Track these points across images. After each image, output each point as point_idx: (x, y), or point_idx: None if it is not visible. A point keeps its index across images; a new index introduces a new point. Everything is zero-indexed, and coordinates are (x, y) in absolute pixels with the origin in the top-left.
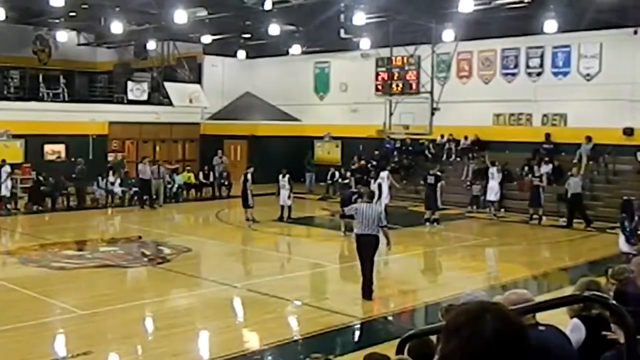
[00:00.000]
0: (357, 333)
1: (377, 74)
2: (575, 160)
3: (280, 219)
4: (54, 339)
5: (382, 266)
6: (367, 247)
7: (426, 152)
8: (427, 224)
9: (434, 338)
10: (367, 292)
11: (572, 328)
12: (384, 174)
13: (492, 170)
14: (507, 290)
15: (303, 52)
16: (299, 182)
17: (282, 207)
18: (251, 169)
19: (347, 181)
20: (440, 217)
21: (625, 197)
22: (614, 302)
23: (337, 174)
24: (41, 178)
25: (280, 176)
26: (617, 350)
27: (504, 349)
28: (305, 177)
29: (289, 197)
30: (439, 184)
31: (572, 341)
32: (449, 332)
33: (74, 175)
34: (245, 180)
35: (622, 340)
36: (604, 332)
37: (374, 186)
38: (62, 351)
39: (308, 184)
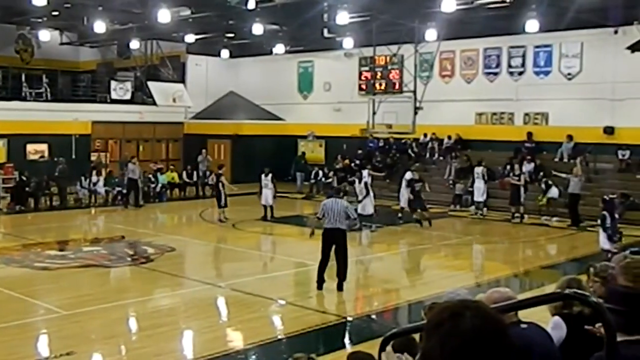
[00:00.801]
0: (341, 332)
1: (361, 73)
2: (556, 159)
3: (264, 218)
4: (37, 339)
5: (366, 265)
6: (332, 241)
7: (409, 151)
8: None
9: (417, 336)
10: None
11: (554, 325)
12: (365, 172)
13: (478, 170)
14: (489, 289)
15: (286, 52)
16: (283, 182)
17: (265, 207)
18: (223, 169)
19: (330, 180)
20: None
21: (605, 196)
22: (594, 299)
23: (320, 173)
24: (24, 178)
25: (263, 175)
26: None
27: (483, 345)
28: (296, 177)
29: (274, 197)
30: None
31: (554, 339)
32: (430, 329)
33: (56, 175)
34: (219, 180)
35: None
36: (586, 327)
37: (360, 186)
38: (45, 351)
39: (299, 184)
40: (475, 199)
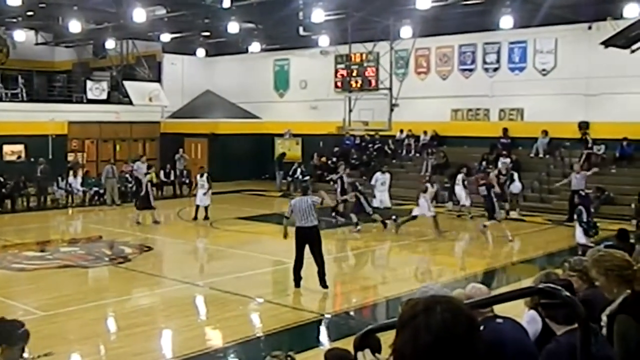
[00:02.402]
0: (319, 329)
1: (336, 71)
2: (532, 155)
3: (195, 218)
4: None
5: (343, 262)
6: (304, 239)
7: (386, 148)
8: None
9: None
10: (320, 280)
11: (529, 319)
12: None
13: (459, 177)
14: (467, 284)
15: (262, 50)
16: (260, 180)
17: (198, 206)
18: (153, 169)
19: (307, 178)
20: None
21: (581, 190)
22: (567, 293)
23: (299, 170)
24: (1, 179)
25: (199, 176)
26: (558, 343)
27: (453, 340)
28: (276, 176)
29: (205, 194)
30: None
31: (529, 333)
32: (402, 324)
33: (38, 175)
34: (149, 181)
35: (558, 332)
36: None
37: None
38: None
39: (279, 183)
40: (464, 203)
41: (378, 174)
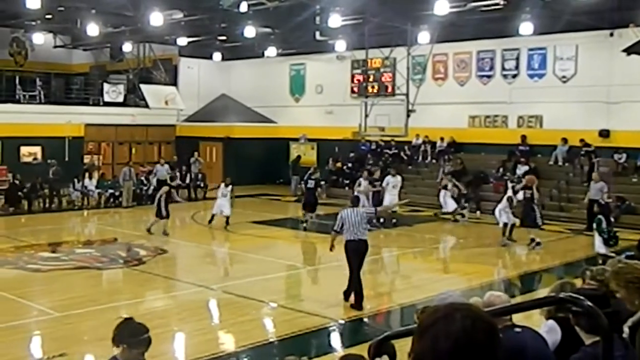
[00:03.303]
0: (333, 335)
1: (353, 76)
2: (551, 163)
3: (210, 222)
4: (29, 340)
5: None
6: (355, 253)
7: (402, 154)
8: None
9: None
10: (356, 300)
11: (548, 329)
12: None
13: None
14: (483, 292)
15: (278, 54)
16: (274, 185)
17: (214, 215)
18: (175, 172)
19: (322, 183)
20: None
21: (601, 200)
22: (589, 303)
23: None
24: (17, 181)
25: (223, 185)
26: (584, 353)
27: (473, 347)
28: (291, 181)
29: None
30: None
31: (549, 342)
32: (421, 332)
33: (50, 177)
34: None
35: (587, 342)
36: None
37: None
38: (37, 353)
39: (294, 187)
40: (445, 209)
41: (389, 177)
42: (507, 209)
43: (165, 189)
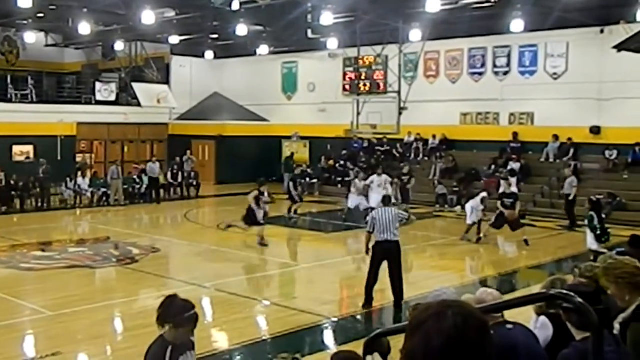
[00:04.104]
0: (326, 332)
1: (345, 74)
2: (542, 159)
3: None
4: (22, 340)
5: (351, 265)
6: (385, 256)
7: (394, 151)
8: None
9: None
10: (397, 300)
11: (540, 326)
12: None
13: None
14: (476, 289)
15: (271, 53)
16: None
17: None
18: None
19: (314, 181)
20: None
21: (592, 196)
22: (579, 300)
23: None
24: (10, 181)
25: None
26: (574, 348)
27: (465, 344)
28: (284, 179)
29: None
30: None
31: (540, 339)
32: (413, 329)
33: (41, 176)
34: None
35: (577, 338)
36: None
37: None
38: (31, 352)
39: (286, 186)
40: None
41: (374, 176)
42: (479, 208)
43: (254, 193)
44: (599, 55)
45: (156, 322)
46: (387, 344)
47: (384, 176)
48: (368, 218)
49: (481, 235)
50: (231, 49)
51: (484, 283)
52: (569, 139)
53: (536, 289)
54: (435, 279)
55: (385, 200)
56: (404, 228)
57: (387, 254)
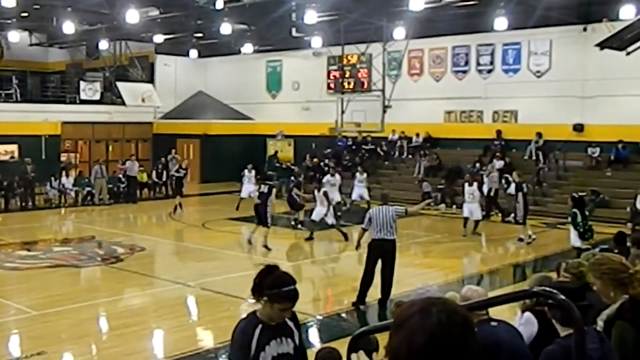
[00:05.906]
0: (310, 330)
1: (329, 72)
2: (526, 157)
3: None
4: (7, 339)
5: (335, 263)
6: (380, 253)
7: (378, 149)
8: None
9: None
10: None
11: (525, 322)
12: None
13: (471, 189)
14: (460, 286)
15: (255, 51)
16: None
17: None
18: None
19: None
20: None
21: (575, 193)
22: (562, 296)
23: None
24: None
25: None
26: (558, 345)
27: (449, 341)
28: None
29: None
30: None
31: (524, 335)
32: (397, 326)
33: (24, 175)
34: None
35: (562, 334)
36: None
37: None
38: (16, 351)
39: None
40: (475, 218)
41: (327, 175)
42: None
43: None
44: (582, 53)
45: (250, 294)
46: (375, 341)
47: (337, 176)
48: (366, 215)
49: (530, 233)
50: (215, 47)
51: (468, 281)
52: (538, 134)
53: (521, 286)
54: (419, 276)
55: (383, 199)
56: None
57: (382, 252)
